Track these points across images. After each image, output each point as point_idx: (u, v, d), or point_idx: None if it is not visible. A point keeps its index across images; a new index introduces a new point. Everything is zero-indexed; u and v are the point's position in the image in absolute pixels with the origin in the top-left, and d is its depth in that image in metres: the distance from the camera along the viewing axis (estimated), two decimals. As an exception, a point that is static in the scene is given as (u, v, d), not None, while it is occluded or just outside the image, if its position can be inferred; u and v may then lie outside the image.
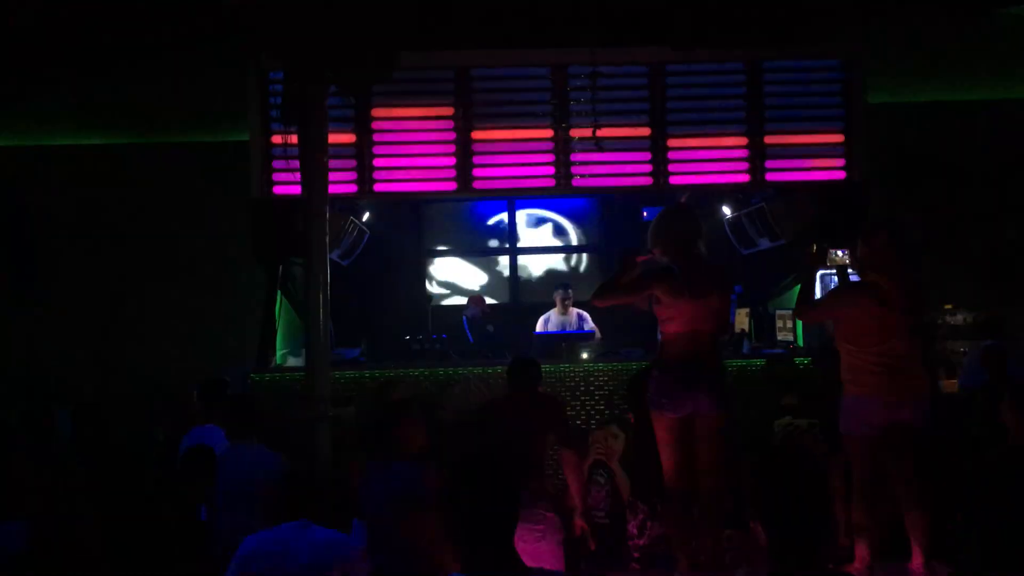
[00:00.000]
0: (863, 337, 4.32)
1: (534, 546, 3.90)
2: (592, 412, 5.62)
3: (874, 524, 4.27)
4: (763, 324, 8.02)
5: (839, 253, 6.55)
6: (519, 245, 9.45)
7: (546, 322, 8.08)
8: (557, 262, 9.53)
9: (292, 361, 7.09)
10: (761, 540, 2.42)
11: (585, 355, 6.93)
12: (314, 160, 5.06)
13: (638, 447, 4.78)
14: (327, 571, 3.47)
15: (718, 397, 4.21)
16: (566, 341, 7.30)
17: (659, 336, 4.53)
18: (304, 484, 3.76)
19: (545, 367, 6.61)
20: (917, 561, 4.19)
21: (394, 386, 5.82)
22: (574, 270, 9.54)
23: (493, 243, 9.47)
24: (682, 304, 4.22)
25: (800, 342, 7.69)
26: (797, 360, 6.60)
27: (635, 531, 4.64)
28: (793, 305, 8.12)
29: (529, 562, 3.76)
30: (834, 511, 4.78)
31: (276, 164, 6.55)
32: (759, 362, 6.75)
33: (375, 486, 4.09)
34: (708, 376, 4.22)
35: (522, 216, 9.46)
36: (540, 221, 9.46)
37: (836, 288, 4.78)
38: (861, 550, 4.21)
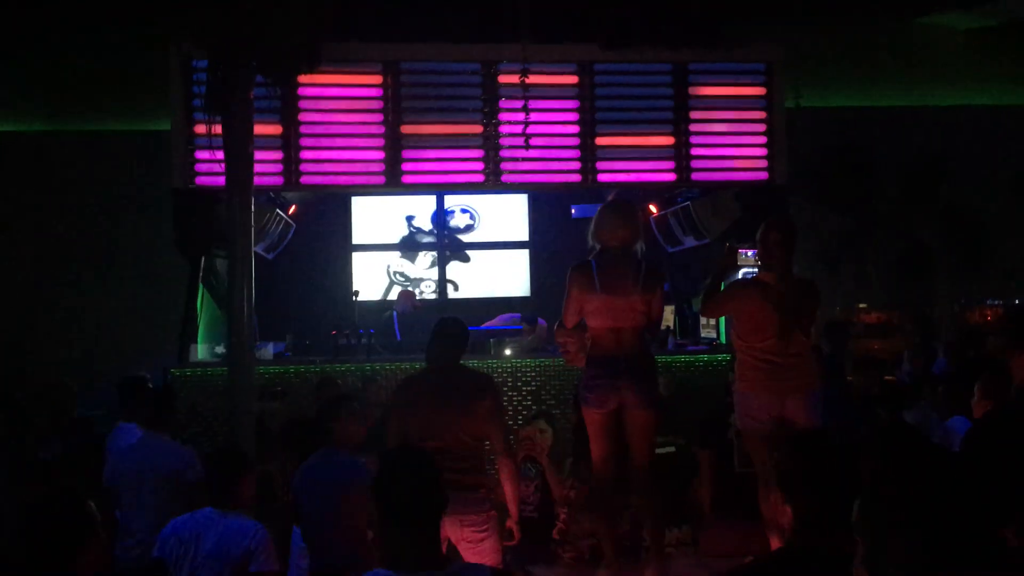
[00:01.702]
0: (749, 333, 4.44)
1: (478, 546, 3.89)
2: (520, 408, 5.64)
3: (780, 517, 4.35)
4: (687, 321, 8.17)
5: (749, 254, 6.69)
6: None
7: None
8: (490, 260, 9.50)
9: (214, 355, 6.94)
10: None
11: (508, 351, 6.96)
12: (238, 150, 4.95)
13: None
14: (232, 559, 3.46)
15: (645, 393, 4.26)
16: (494, 337, 7.31)
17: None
18: (228, 469, 3.73)
19: (473, 362, 6.70)
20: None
21: (332, 384, 5.76)
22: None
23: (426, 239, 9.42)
24: (595, 299, 4.26)
25: (723, 339, 7.85)
26: (720, 357, 6.76)
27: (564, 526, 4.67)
28: (716, 302, 8.37)
29: (471, 559, 3.79)
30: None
31: (199, 154, 6.39)
32: (683, 358, 6.90)
33: (315, 476, 4.05)
34: (633, 372, 4.26)
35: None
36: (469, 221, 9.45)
37: (729, 284, 4.87)
38: (774, 541, 4.31)
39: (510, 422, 5.17)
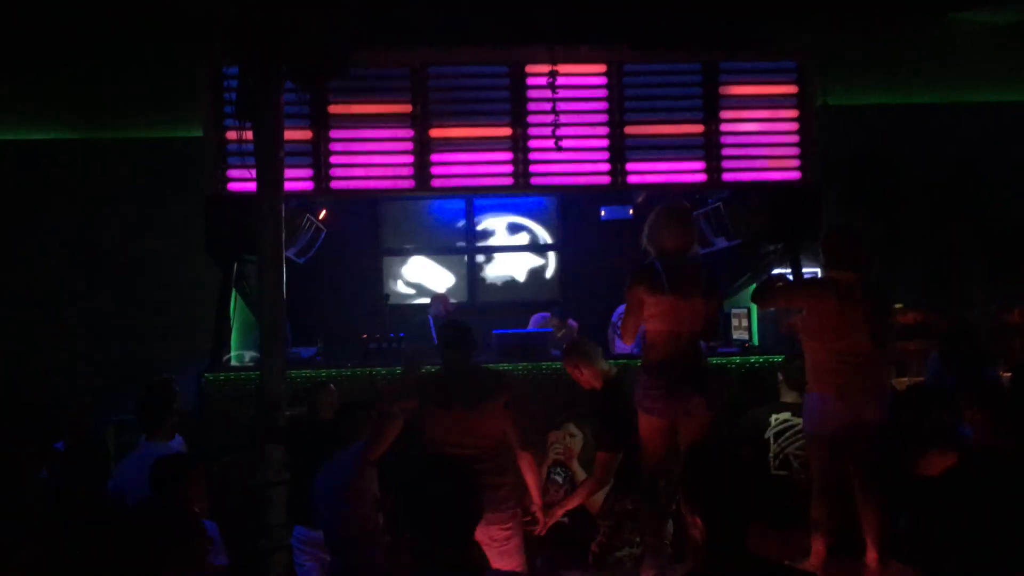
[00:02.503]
0: (825, 333, 4.34)
1: (505, 544, 3.88)
2: (550, 412, 5.60)
3: (831, 521, 4.30)
4: (719, 322, 8.08)
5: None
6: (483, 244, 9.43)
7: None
8: (523, 264, 9.48)
9: (248, 361, 7.01)
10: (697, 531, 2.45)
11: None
12: (268, 157, 4.98)
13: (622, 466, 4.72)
14: None
15: (709, 398, 4.23)
16: (525, 340, 7.28)
17: (643, 337, 4.49)
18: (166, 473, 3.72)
19: (504, 367, 6.68)
20: (871, 557, 4.23)
21: (325, 387, 5.75)
22: (539, 273, 9.50)
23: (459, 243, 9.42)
24: (663, 300, 4.21)
25: (755, 340, 7.79)
26: (753, 359, 6.69)
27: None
28: (748, 304, 8.28)
29: (496, 562, 3.78)
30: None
31: (230, 161, 6.45)
32: (714, 360, 6.82)
33: (323, 480, 4.06)
34: (695, 378, 4.22)
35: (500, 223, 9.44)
36: (514, 228, 9.44)
37: (799, 281, 4.82)
38: (817, 546, 4.25)
39: (540, 427, 5.13)
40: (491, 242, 9.45)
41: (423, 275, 9.34)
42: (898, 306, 8.94)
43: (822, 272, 4.66)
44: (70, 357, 8.61)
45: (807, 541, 4.34)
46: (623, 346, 6.61)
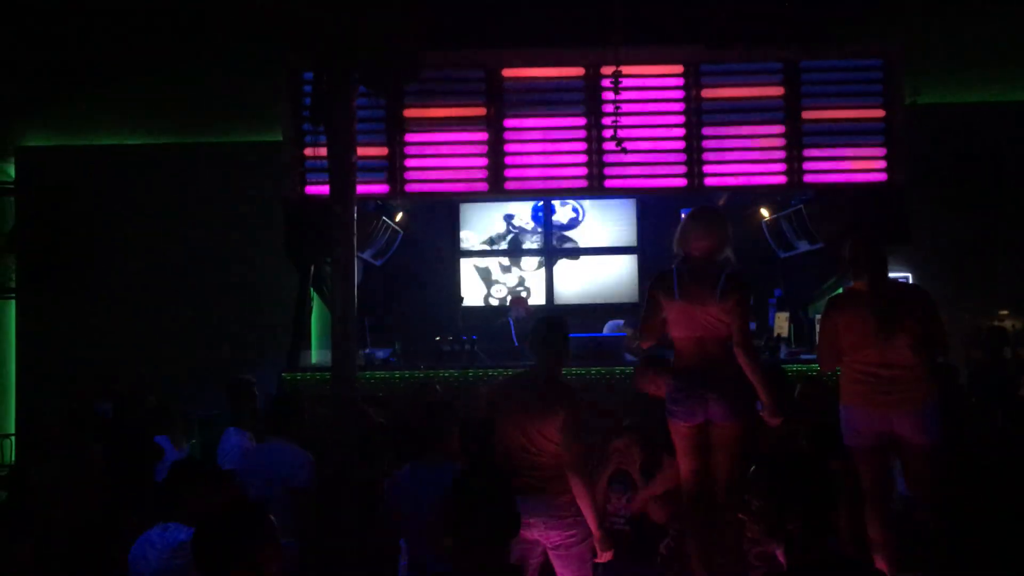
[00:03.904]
0: (846, 346, 4.26)
1: (567, 552, 3.82)
2: (620, 418, 5.53)
3: (889, 537, 4.13)
4: (802, 328, 7.87)
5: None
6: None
7: None
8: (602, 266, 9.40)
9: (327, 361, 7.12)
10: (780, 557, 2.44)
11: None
12: (341, 159, 5.05)
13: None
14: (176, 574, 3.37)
15: (730, 405, 4.11)
16: (599, 344, 7.21)
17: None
18: (182, 479, 3.65)
19: (577, 371, 6.63)
20: None
21: (430, 388, 5.81)
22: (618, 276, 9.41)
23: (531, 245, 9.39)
24: (674, 306, 4.16)
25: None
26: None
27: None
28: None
29: (560, 570, 3.74)
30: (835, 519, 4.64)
31: (307, 164, 6.58)
32: (796, 367, 6.63)
33: (419, 486, 4.01)
34: (718, 383, 4.12)
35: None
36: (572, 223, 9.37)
37: (823, 311, 4.63)
38: (879, 563, 4.08)
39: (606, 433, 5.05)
40: (569, 245, 9.39)
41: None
42: (1003, 312, 8.57)
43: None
44: (158, 356, 8.92)
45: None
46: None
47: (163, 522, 3.51)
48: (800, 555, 2.44)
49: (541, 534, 3.81)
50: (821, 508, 2.50)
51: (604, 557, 3.96)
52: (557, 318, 4.24)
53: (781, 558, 2.50)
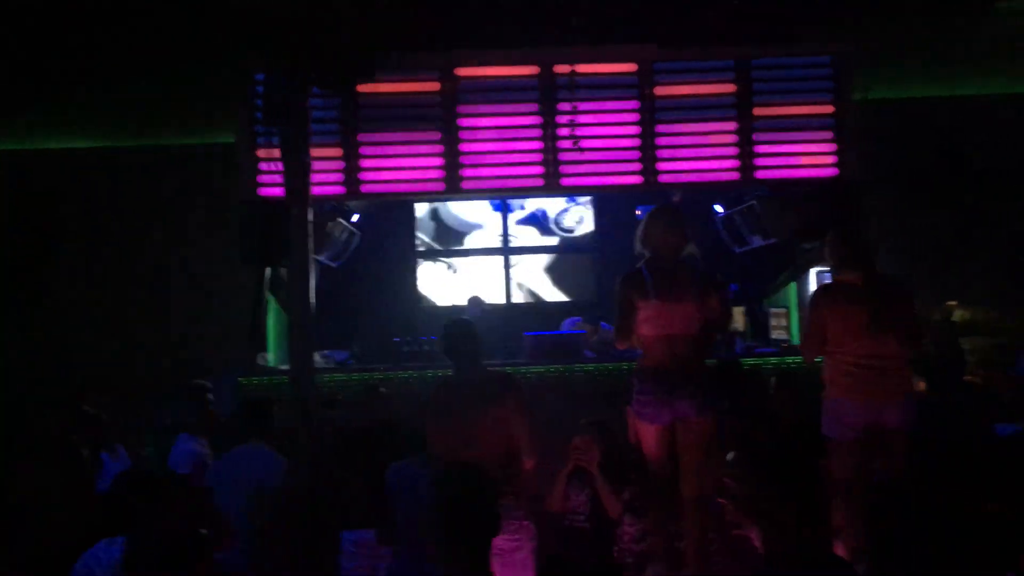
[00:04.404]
0: (838, 337, 4.27)
1: (510, 556, 3.83)
2: (579, 415, 5.55)
3: (857, 526, 4.20)
4: (757, 322, 7.97)
5: None
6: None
7: None
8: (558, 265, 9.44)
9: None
10: (755, 541, 2.46)
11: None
12: (295, 161, 5.01)
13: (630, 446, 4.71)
14: None
15: (700, 404, 4.15)
16: (557, 341, 7.24)
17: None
18: (128, 490, 3.60)
19: (536, 369, 6.66)
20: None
21: (375, 391, 5.79)
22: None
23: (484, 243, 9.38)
24: (649, 306, 4.16)
25: (795, 339, 7.65)
26: (790, 360, 6.58)
27: (635, 533, 4.54)
28: (787, 303, 8.15)
29: (501, 570, 3.73)
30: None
31: (262, 166, 6.51)
32: (752, 361, 6.72)
33: (420, 481, 3.99)
34: (688, 383, 4.15)
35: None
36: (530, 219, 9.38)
37: (810, 301, 4.68)
38: (840, 551, 4.15)
39: (568, 430, 5.08)
40: (525, 243, 9.40)
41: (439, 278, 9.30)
42: (951, 303, 8.72)
43: (831, 276, 4.58)
44: (118, 361, 8.77)
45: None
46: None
47: (108, 537, 3.41)
48: (777, 545, 2.44)
49: None
50: (804, 498, 2.49)
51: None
52: (464, 320, 4.30)
53: (756, 542, 2.51)
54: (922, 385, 5.70)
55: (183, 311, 8.95)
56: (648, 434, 4.19)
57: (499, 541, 3.77)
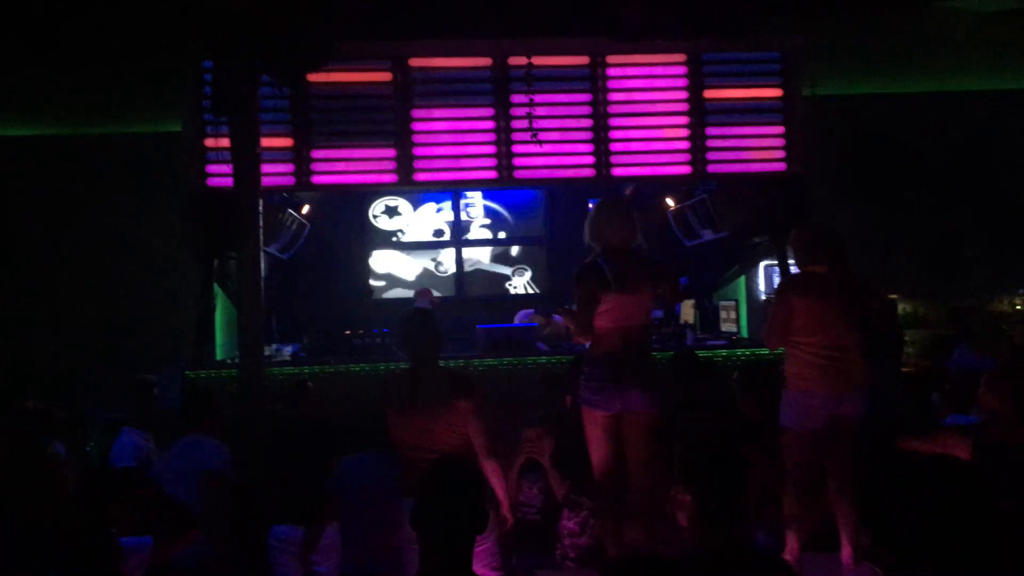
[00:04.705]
0: (805, 329, 4.30)
1: (480, 548, 3.81)
2: (532, 408, 5.56)
3: (805, 516, 4.26)
4: (708, 315, 8.06)
5: None
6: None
7: None
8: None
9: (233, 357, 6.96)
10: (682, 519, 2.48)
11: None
12: (245, 151, 4.93)
13: (579, 439, 4.70)
14: None
15: (650, 394, 4.17)
16: (510, 334, 7.23)
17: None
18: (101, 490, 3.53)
19: (489, 361, 6.65)
20: (847, 553, 4.20)
21: (303, 386, 5.71)
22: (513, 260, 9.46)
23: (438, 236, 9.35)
24: (609, 298, 4.16)
25: (744, 332, 7.76)
26: (740, 352, 6.66)
27: (576, 528, 4.55)
28: (736, 296, 8.25)
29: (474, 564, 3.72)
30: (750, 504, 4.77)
31: (210, 155, 6.38)
32: (703, 354, 6.78)
33: (371, 476, 3.97)
34: (639, 372, 4.16)
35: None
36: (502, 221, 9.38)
37: (777, 288, 4.72)
38: (791, 542, 4.21)
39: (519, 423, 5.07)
40: (479, 235, 9.38)
41: (392, 266, 9.25)
42: (892, 296, 8.92)
43: (797, 268, 4.62)
44: (62, 355, 8.56)
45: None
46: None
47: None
48: (706, 537, 2.45)
49: None
50: (729, 491, 2.49)
51: (510, 523, 4.04)
52: (424, 312, 4.25)
53: (683, 522, 2.53)
54: None
55: (131, 304, 8.76)
56: (595, 422, 4.17)
57: None
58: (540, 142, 6.06)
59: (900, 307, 9.00)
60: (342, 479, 4.10)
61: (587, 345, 4.34)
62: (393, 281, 9.20)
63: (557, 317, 7.32)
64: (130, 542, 3.39)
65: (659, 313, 7.14)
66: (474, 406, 3.87)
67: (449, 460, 2.72)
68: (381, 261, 9.17)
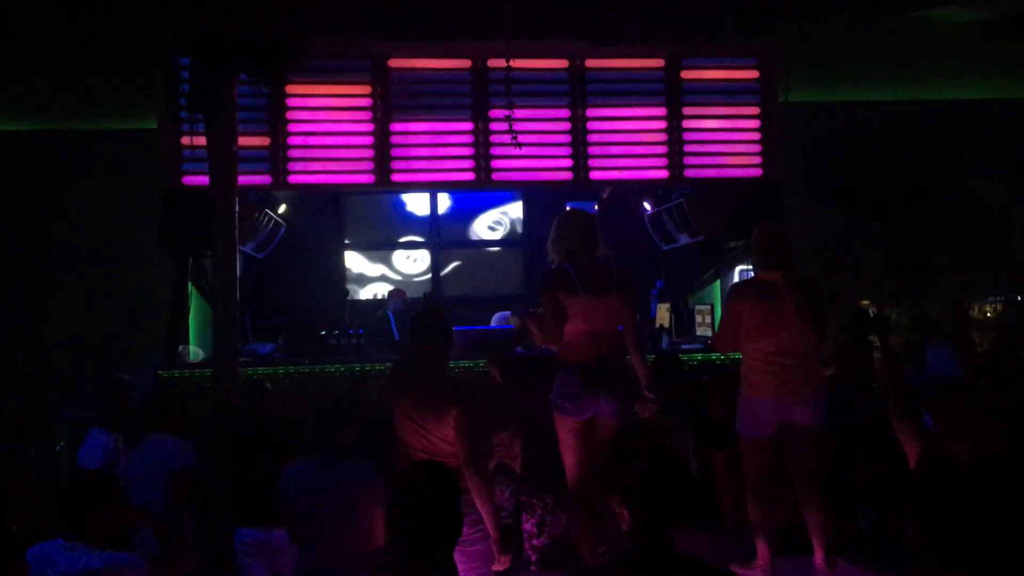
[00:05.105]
0: (754, 334, 4.31)
1: (469, 548, 3.80)
2: (508, 411, 5.55)
3: (771, 521, 4.29)
4: (683, 319, 8.09)
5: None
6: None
7: None
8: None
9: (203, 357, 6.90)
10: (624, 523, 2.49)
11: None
12: (221, 150, 4.88)
13: (529, 439, 4.68)
14: None
15: (621, 401, 4.18)
16: (488, 337, 7.21)
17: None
18: (76, 497, 3.49)
19: (465, 363, 6.62)
20: (819, 557, 4.22)
21: (261, 388, 5.69)
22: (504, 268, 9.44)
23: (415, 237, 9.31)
24: (576, 302, 4.18)
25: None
26: (715, 356, 6.69)
27: (534, 529, 4.54)
28: (712, 300, 8.28)
29: (461, 564, 3.70)
30: (721, 507, 4.81)
31: (186, 153, 6.33)
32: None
33: (315, 481, 3.91)
34: (610, 378, 4.18)
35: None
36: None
37: (728, 295, 4.73)
38: (761, 548, 4.24)
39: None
40: (455, 236, 9.36)
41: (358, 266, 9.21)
42: (864, 302, 9.00)
43: (753, 272, 4.66)
44: (32, 354, 8.45)
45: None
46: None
47: (66, 539, 3.32)
48: (636, 543, 2.46)
49: None
50: (657, 494, 2.48)
51: (503, 562, 3.97)
52: (437, 311, 4.22)
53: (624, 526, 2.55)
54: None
55: (104, 303, 8.66)
56: (568, 428, 4.18)
57: (466, 532, 3.71)
58: (520, 144, 6.06)
59: (872, 312, 9.08)
60: (300, 482, 4.05)
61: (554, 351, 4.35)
62: (365, 281, 9.17)
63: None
64: (127, 558, 3.36)
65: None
66: (463, 418, 3.83)
67: (425, 465, 2.70)
68: (354, 260, 9.14)
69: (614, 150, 6.84)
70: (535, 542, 4.48)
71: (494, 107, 6.63)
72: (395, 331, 7.84)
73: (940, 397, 3.73)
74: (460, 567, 3.75)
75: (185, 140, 6.13)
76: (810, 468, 4.29)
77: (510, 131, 5.77)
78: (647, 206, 8.18)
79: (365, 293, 9.06)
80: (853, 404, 5.16)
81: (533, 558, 4.46)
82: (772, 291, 4.32)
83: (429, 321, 4.10)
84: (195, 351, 7.10)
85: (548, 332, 4.23)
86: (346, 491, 3.82)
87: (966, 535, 3.22)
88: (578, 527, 4.23)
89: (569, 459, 4.19)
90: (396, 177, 6.68)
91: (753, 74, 6.94)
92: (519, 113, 6.57)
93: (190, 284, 6.91)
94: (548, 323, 4.23)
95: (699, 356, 6.84)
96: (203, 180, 5.98)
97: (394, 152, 6.65)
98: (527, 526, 4.49)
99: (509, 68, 5.73)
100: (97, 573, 3.20)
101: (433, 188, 8.27)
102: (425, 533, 2.31)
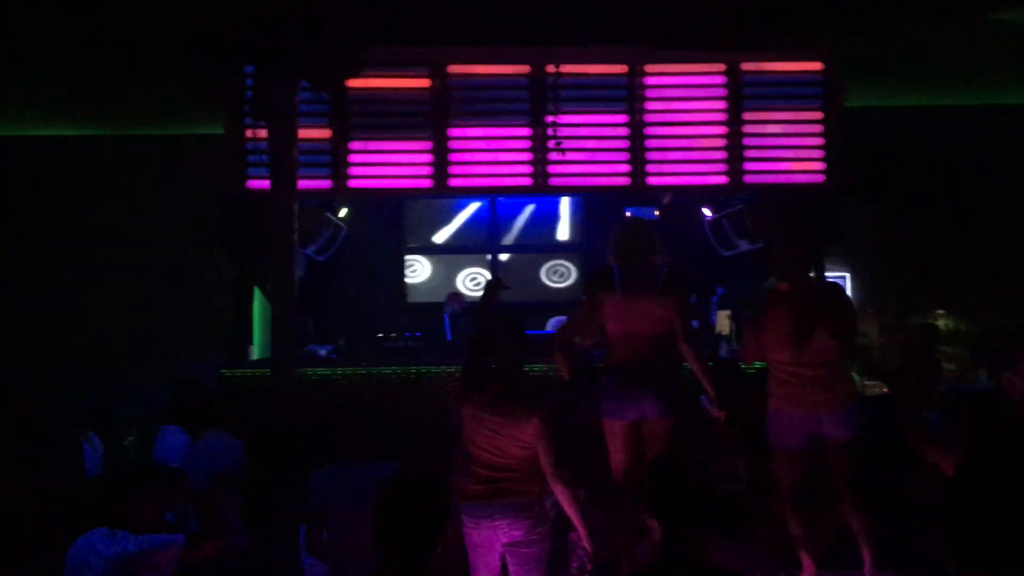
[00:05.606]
0: (771, 346, 4.24)
1: (526, 549, 3.79)
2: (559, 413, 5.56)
3: (812, 533, 4.20)
4: (744, 327, 7.97)
5: None
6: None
7: None
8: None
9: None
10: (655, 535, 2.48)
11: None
12: (282, 155, 5.00)
13: (563, 433, 4.65)
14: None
15: (665, 403, 4.16)
16: (543, 340, 7.22)
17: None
18: (117, 489, 3.62)
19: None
20: (867, 567, 4.13)
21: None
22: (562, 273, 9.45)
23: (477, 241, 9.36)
24: (613, 302, 4.22)
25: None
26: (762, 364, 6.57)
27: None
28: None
29: (515, 569, 3.70)
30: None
31: (249, 159, 6.49)
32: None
33: (340, 488, 3.98)
34: (652, 381, 4.16)
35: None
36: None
37: (752, 307, 4.63)
38: (805, 560, 4.16)
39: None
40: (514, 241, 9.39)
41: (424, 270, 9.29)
42: (939, 312, 8.77)
43: (777, 280, 4.57)
44: (100, 354, 8.72)
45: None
46: None
47: (109, 528, 3.46)
48: (665, 553, 2.45)
49: (504, 533, 3.75)
50: (687, 509, 2.47)
51: (591, 553, 4.02)
52: (516, 320, 4.23)
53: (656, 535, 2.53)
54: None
55: (170, 304, 8.89)
56: (613, 432, 4.20)
57: (519, 534, 3.73)
58: (564, 150, 6.09)
59: (943, 323, 8.84)
60: (332, 486, 4.10)
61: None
62: (423, 285, 9.26)
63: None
64: (162, 539, 3.49)
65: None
66: (541, 425, 3.83)
67: (412, 474, 2.71)
68: (417, 265, 9.23)
69: (672, 156, 6.79)
70: (579, 551, 4.47)
71: (551, 113, 6.65)
72: (448, 333, 7.90)
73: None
74: (512, 569, 3.77)
75: (249, 146, 6.29)
76: (845, 477, 4.20)
77: (555, 136, 5.79)
78: (706, 212, 8.09)
79: (423, 296, 9.15)
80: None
81: (589, 567, 4.45)
82: (789, 301, 4.24)
83: (512, 330, 4.12)
84: (259, 350, 7.26)
85: (572, 323, 4.32)
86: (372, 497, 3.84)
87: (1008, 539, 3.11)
88: (617, 536, 4.22)
89: (613, 460, 4.21)
90: (453, 182, 6.73)
91: (816, 77, 6.82)
92: (576, 119, 6.59)
93: (255, 287, 7.07)
94: (577, 315, 4.34)
95: (758, 364, 6.73)
96: (266, 184, 6.15)
97: (452, 157, 6.71)
98: (573, 536, 4.47)
99: (558, 74, 5.74)
100: (131, 556, 3.37)
101: (489, 193, 8.31)
102: (405, 540, 2.32)
